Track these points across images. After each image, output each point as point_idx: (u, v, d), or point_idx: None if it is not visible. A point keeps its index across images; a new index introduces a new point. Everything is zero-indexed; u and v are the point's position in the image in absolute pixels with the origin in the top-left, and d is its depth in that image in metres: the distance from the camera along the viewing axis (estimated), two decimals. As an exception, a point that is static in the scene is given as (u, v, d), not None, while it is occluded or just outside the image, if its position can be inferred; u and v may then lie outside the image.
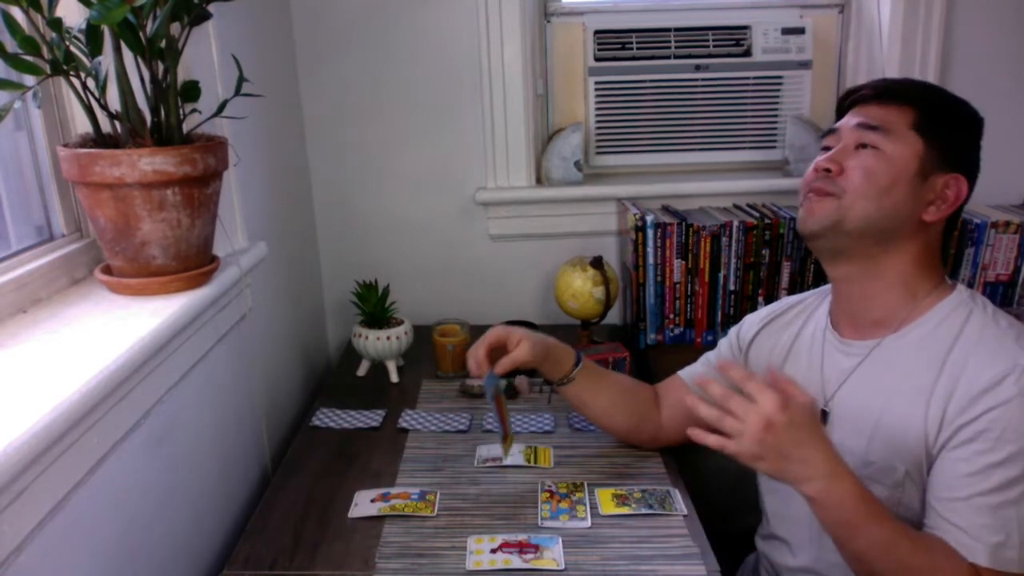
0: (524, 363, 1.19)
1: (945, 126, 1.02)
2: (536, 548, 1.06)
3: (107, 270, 1.05)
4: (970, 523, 0.90)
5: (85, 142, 1.01)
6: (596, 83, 1.85)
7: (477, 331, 1.63)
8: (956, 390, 0.94)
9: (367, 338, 1.56)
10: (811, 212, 1.04)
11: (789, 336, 1.18)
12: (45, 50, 0.91)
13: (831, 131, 1.09)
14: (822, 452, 0.90)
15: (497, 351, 1.20)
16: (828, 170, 1.03)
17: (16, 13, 0.89)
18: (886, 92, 1.05)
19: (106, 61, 0.95)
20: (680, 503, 1.16)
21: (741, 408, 0.89)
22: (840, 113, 1.12)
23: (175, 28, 0.99)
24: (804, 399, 0.91)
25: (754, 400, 0.89)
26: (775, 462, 0.89)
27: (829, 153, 1.05)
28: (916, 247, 1.03)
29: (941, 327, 1.00)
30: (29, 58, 0.90)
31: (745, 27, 1.83)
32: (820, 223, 1.03)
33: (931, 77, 1.75)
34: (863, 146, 1.02)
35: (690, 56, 1.84)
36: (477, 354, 1.19)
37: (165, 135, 1.00)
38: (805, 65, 1.84)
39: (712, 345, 1.33)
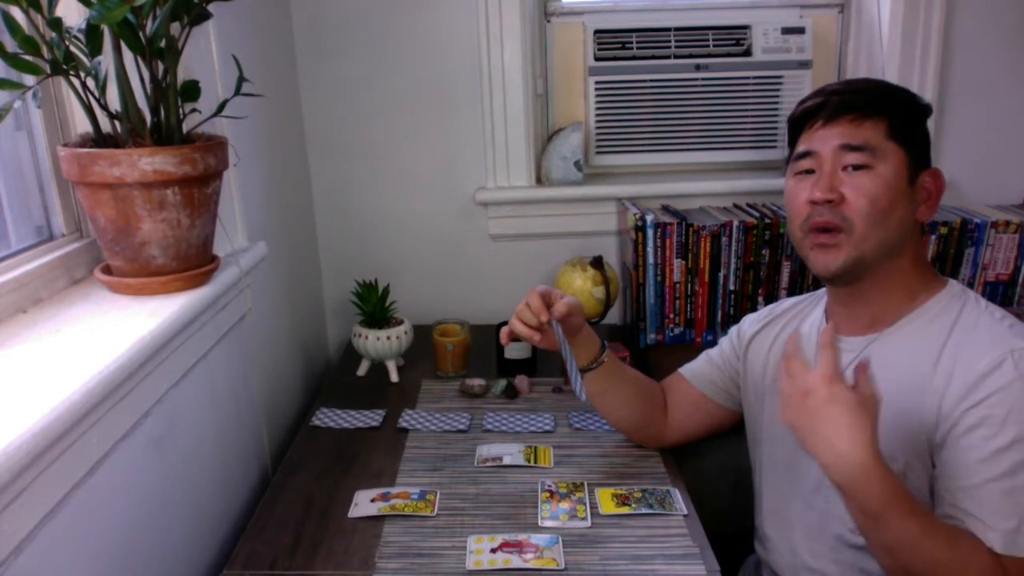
0: (573, 312, 1.17)
1: (912, 126, 1.02)
2: (536, 548, 1.06)
3: (107, 270, 1.05)
4: (982, 510, 0.89)
5: (85, 142, 1.01)
6: (596, 83, 1.85)
7: (477, 331, 1.65)
8: (953, 378, 0.95)
9: (367, 338, 1.56)
10: (831, 259, 1.01)
11: (786, 336, 1.18)
12: (45, 50, 0.91)
13: (806, 154, 1.03)
14: (853, 441, 0.84)
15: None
16: (829, 200, 1.00)
17: (16, 13, 0.89)
18: (852, 106, 1.01)
19: (106, 61, 0.95)
20: (680, 503, 1.16)
21: (799, 372, 0.89)
22: (796, 131, 1.07)
23: (175, 28, 0.99)
24: (868, 389, 0.87)
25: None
26: (802, 433, 0.88)
27: (817, 179, 1.01)
28: (912, 248, 1.04)
29: (936, 321, 1.01)
30: (29, 58, 0.90)
31: (745, 27, 1.83)
32: (842, 266, 1.01)
33: (931, 77, 1.75)
34: (851, 167, 1.00)
35: (690, 56, 1.84)
36: (535, 303, 1.15)
37: (165, 135, 1.00)
38: (805, 65, 1.84)
39: (712, 345, 1.33)
